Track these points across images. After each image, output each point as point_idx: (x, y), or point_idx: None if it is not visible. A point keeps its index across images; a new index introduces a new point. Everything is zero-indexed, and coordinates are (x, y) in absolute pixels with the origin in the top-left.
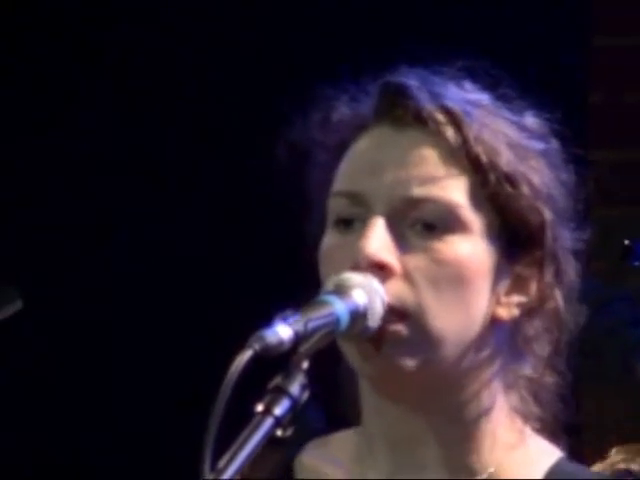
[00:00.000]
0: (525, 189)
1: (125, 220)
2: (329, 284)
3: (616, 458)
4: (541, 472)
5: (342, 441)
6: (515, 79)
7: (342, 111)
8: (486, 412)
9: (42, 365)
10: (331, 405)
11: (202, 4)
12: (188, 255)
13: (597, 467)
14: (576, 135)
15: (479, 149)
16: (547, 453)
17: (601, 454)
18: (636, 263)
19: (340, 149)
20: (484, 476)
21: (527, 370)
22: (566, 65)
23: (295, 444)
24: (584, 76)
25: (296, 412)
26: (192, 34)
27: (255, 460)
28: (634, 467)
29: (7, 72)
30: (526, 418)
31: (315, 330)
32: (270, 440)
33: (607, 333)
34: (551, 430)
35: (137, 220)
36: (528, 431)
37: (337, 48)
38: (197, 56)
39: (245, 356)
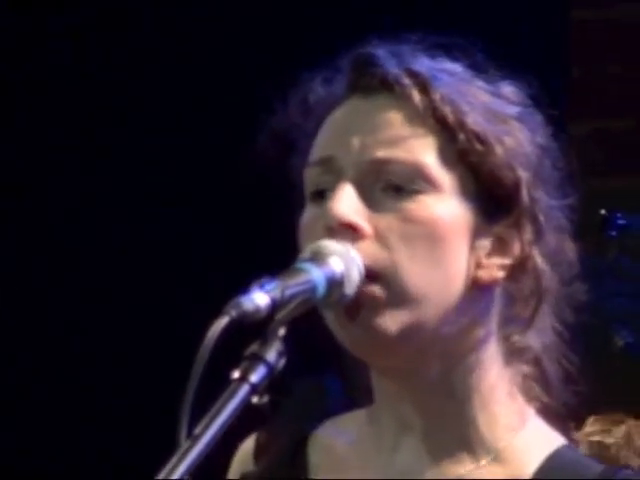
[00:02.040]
0: (497, 148)
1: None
2: (306, 252)
3: (591, 429)
4: (540, 459)
5: (355, 420)
6: (495, 54)
7: (318, 92)
8: (481, 386)
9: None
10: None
11: None
12: (169, 227)
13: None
14: (557, 107)
15: (446, 109)
16: (548, 439)
17: (577, 426)
18: (613, 233)
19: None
20: (484, 461)
21: (528, 342)
22: (546, 38)
23: (314, 418)
24: (565, 49)
25: (272, 379)
26: (173, 22)
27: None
28: (609, 440)
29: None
30: (530, 397)
31: (292, 297)
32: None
33: (586, 304)
34: (554, 411)
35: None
36: (530, 412)
37: (314, 32)
38: (178, 45)
39: (221, 323)
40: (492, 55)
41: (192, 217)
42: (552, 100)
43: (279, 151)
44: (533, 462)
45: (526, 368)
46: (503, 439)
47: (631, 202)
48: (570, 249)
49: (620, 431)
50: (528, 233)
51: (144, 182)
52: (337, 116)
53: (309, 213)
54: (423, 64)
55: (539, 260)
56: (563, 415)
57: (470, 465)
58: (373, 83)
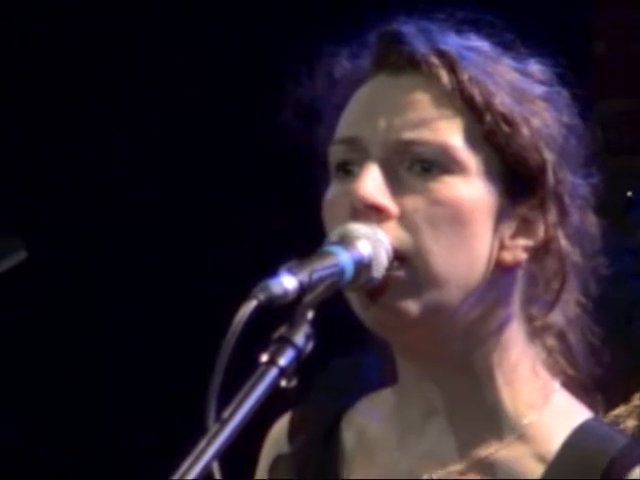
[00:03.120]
0: (523, 129)
1: (128, 181)
2: (334, 235)
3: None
4: (565, 434)
5: (386, 399)
6: (518, 30)
7: (344, 66)
8: (503, 365)
9: (43, 315)
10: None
11: None
12: (194, 208)
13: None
14: (581, 85)
15: (474, 90)
16: (573, 413)
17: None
18: (639, 214)
19: (344, 106)
20: (509, 440)
21: (551, 319)
22: (569, 16)
23: (349, 395)
24: (588, 26)
25: (300, 362)
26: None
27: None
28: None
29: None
30: (554, 372)
31: (320, 280)
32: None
33: (610, 285)
34: (580, 384)
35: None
36: (555, 386)
37: (340, 4)
38: (197, 13)
39: (250, 306)
40: (518, 32)
41: (214, 192)
42: (578, 78)
43: (304, 122)
44: (558, 437)
45: (551, 342)
46: (527, 416)
47: None
48: (593, 225)
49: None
50: (553, 215)
51: (170, 162)
52: (364, 94)
53: (334, 190)
54: (451, 42)
55: (563, 242)
56: (591, 387)
57: (496, 444)
58: (400, 61)
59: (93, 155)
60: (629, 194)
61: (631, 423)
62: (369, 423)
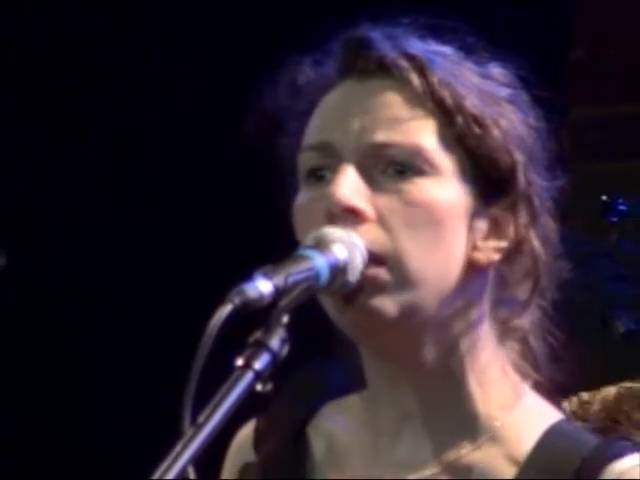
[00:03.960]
0: (494, 131)
1: (114, 192)
2: (309, 239)
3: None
4: (537, 435)
5: (353, 405)
6: (493, 36)
7: (308, 74)
8: (475, 366)
9: (26, 324)
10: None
11: None
12: (171, 218)
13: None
14: (554, 90)
15: (444, 92)
16: (544, 414)
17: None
18: (614, 219)
19: (309, 114)
20: (482, 441)
21: (520, 321)
22: (546, 22)
23: (314, 403)
24: (565, 32)
25: (276, 366)
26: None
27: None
28: (593, 407)
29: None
30: (523, 374)
31: (295, 284)
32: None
33: (587, 289)
34: (546, 388)
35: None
36: (525, 389)
37: (302, 15)
38: (163, 27)
39: (225, 310)
40: (491, 37)
41: (185, 206)
42: (553, 83)
43: (268, 132)
44: (530, 438)
45: (517, 346)
46: (499, 417)
47: (634, 187)
48: (554, 230)
49: (610, 394)
50: (524, 216)
51: (146, 174)
52: (332, 99)
53: (305, 195)
54: (417, 47)
55: (535, 242)
56: (555, 391)
57: (468, 446)
58: (369, 66)
59: (78, 161)
60: (604, 198)
61: (597, 407)
62: (337, 429)
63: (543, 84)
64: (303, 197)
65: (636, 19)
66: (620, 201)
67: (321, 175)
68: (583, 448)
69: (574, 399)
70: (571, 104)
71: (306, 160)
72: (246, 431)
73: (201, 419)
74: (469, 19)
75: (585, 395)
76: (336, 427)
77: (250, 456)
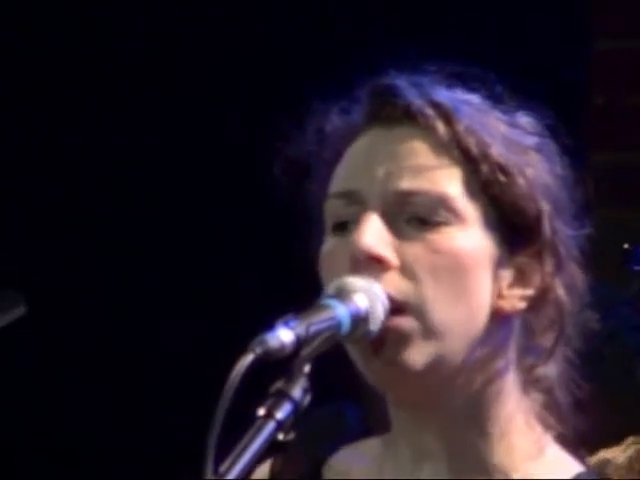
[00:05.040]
0: (519, 179)
1: (129, 222)
2: (330, 288)
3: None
4: None
5: (371, 447)
6: (515, 84)
7: (335, 122)
8: (500, 416)
9: (44, 371)
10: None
11: (193, 22)
12: (191, 266)
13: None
14: (576, 137)
15: (470, 141)
16: (566, 466)
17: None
18: (636, 267)
19: (336, 162)
20: None
21: (545, 371)
22: (567, 69)
23: (331, 445)
24: (585, 79)
25: (298, 416)
26: (185, 50)
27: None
28: (618, 460)
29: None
30: (547, 425)
31: (317, 334)
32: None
33: (609, 337)
34: (570, 439)
35: (141, 223)
36: (548, 439)
37: (328, 61)
38: (191, 71)
39: (247, 360)
40: (515, 86)
41: (210, 254)
42: (573, 130)
43: (295, 179)
44: None
45: (541, 397)
46: (520, 469)
47: None
48: (582, 279)
49: (629, 452)
50: (549, 264)
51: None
52: (358, 147)
53: (331, 244)
54: (443, 95)
55: (560, 291)
56: (580, 444)
57: None
58: (395, 114)
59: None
60: (625, 246)
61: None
62: (353, 469)
63: (564, 130)
64: (328, 245)
65: None
66: None
67: (345, 224)
68: None
69: (595, 457)
70: (591, 150)
71: (332, 208)
72: (261, 472)
73: (222, 469)
74: (489, 64)
75: (606, 453)
76: (352, 467)
77: None
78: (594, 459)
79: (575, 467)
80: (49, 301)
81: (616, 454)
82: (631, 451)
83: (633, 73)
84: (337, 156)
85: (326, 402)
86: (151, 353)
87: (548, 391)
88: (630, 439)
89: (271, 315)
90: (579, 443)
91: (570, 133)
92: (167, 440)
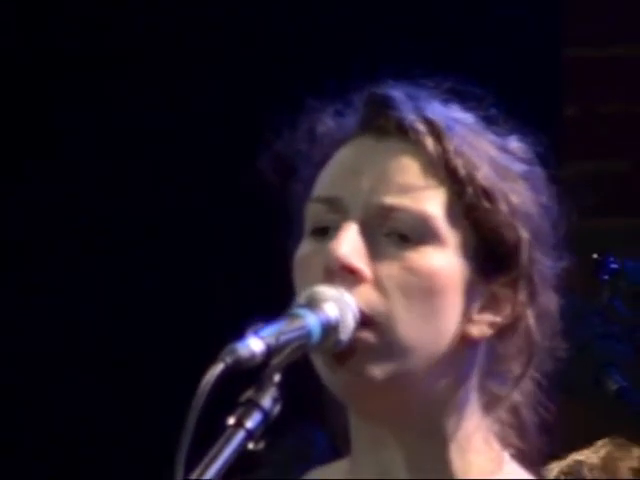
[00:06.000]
0: (502, 206)
1: (129, 222)
2: (302, 297)
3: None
4: None
5: (338, 470)
6: (488, 96)
7: (327, 124)
8: (459, 435)
9: (43, 371)
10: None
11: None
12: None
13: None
14: (550, 149)
15: (458, 161)
16: None
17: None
18: (606, 277)
19: (323, 163)
20: None
21: (506, 392)
22: (539, 79)
23: (299, 468)
24: (558, 89)
25: (268, 426)
26: (185, 50)
27: None
28: (591, 460)
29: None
30: (505, 444)
31: (287, 343)
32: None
33: (579, 347)
34: (530, 457)
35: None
36: (506, 457)
37: (326, 61)
38: (191, 71)
39: (216, 369)
40: (494, 101)
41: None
42: (548, 139)
43: (280, 174)
44: None
45: (504, 415)
46: None
47: (625, 245)
48: (555, 306)
49: (602, 453)
50: (523, 294)
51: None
52: (347, 153)
53: (307, 248)
54: (437, 111)
55: (531, 321)
56: (539, 460)
57: None
58: (387, 125)
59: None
60: (595, 256)
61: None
62: None
63: (537, 140)
64: (304, 249)
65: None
66: (612, 259)
67: (325, 229)
68: None
69: (567, 460)
70: (563, 160)
71: (313, 212)
72: None
73: (193, 478)
74: (466, 75)
75: (578, 455)
76: None
77: None
78: (566, 462)
79: None
80: (49, 301)
81: (588, 455)
82: (604, 452)
83: (606, 82)
84: (325, 158)
85: (293, 425)
86: (151, 353)
87: (512, 410)
88: (601, 441)
89: (271, 315)
90: (538, 460)
91: (544, 145)
92: (167, 440)
